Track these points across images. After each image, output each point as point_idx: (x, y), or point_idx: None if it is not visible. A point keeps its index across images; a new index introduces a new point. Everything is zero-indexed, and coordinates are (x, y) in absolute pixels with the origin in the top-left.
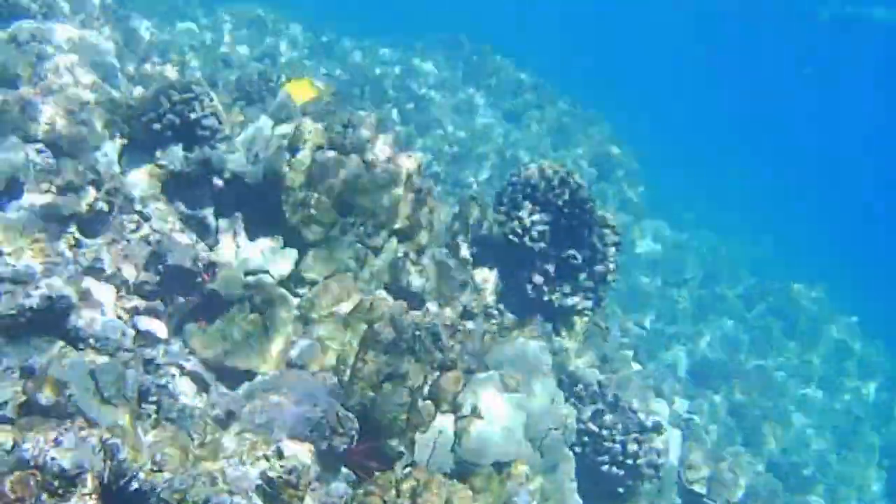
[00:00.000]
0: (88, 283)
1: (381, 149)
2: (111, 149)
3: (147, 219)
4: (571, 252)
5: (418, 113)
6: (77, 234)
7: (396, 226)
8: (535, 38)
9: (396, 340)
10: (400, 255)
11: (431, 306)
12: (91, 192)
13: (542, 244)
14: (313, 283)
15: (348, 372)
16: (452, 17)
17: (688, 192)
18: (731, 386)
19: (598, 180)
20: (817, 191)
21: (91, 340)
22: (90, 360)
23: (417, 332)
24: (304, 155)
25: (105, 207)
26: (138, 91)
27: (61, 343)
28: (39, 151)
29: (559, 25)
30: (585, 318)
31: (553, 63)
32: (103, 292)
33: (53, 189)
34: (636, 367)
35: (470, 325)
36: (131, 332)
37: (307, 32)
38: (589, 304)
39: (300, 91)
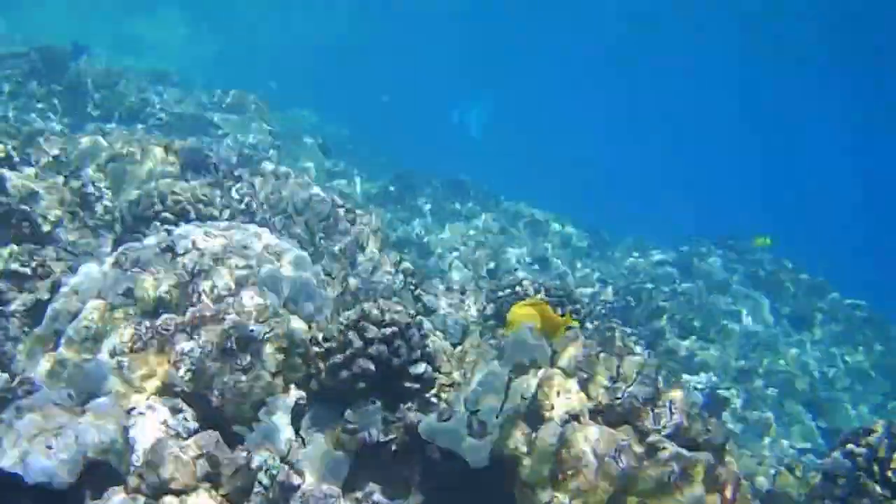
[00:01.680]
0: None
1: (668, 413)
2: (282, 408)
3: None
4: None
5: (702, 327)
6: None
7: None
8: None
9: None
10: None
11: None
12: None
13: None
14: None
15: None
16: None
17: None
18: None
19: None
20: None
21: None
22: None
23: None
24: (550, 431)
25: None
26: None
27: None
28: (177, 412)
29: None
30: None
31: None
32: None
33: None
34: None
35: None
36: None
37: (581, 232)
38: None
39: (536, 320)
